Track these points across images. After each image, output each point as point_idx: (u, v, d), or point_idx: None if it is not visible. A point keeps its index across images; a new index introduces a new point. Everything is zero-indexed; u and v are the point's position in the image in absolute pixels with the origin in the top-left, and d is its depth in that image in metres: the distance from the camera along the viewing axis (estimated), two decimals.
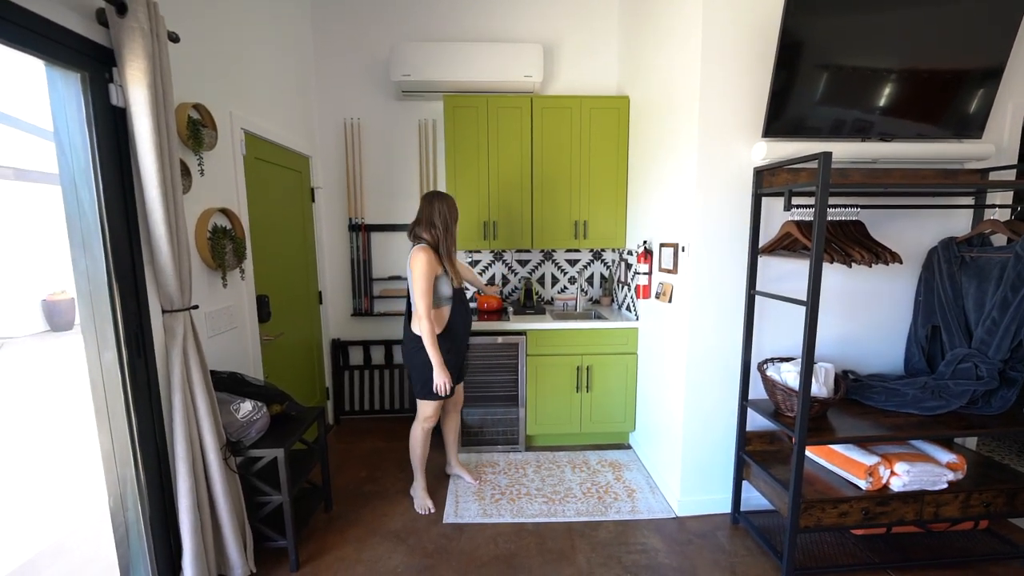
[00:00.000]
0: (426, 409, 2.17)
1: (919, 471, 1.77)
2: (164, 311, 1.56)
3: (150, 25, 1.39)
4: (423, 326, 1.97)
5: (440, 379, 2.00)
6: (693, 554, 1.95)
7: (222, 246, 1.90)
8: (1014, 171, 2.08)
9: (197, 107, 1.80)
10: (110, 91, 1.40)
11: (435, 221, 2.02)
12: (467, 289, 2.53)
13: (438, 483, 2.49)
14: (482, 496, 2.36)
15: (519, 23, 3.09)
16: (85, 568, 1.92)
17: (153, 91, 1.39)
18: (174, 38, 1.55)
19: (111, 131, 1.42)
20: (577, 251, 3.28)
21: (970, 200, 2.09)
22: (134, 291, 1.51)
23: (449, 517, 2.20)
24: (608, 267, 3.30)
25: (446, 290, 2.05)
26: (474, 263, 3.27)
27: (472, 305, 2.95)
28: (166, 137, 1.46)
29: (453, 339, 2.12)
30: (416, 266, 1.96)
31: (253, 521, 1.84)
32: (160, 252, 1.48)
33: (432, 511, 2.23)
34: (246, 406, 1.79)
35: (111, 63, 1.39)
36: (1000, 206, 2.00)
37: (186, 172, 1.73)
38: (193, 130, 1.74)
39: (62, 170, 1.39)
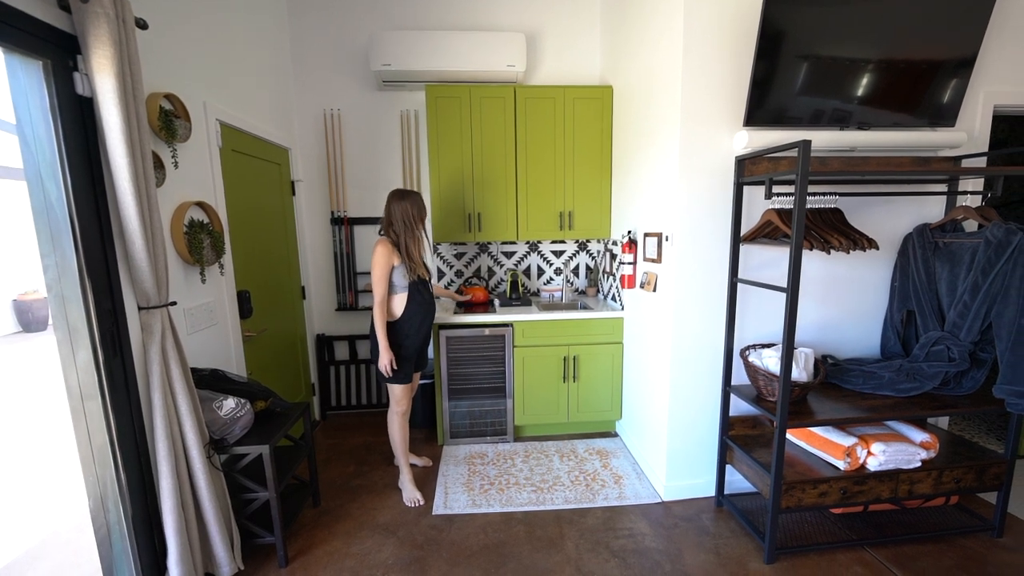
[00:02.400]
0: (395, 392, 2.26)
1: (894, 451, 1.83)
2: (140, 308, 1.52)
3: (115, 10, 1.33)
4: (375, 311, 2.14)
5: (384, 358, 2.13)
6: (679, 537, 2.00)
7: (199, 240, 1.85)
8: (985, 158, 2.14)
9: (169, 97, 1.74)
10: (75, 80, 1.34)
11: (395, 219, 2.16)
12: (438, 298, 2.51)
13: (426, 475, 2.50)
14: (471, 487, 2.37)
15: (501, 12, 3.05)
16: (67, 571, 1.88)
17: (121, 80, 1.34)
18: (142, 24, 1.49)
19: (78, 122, 1.37)
20: (563, 242, 3.28)
21: (943, 187, 2.15)
22: (108, 288, 1.46)
23: (438, 508, 2.21)
24: (593, 258, 3.31)
25: (400, 280, 2.17)
26: (459, 255, 3.25)
27: (459, 297, 2.93)
28: (136, 128, 1.41)
29: (409, 326, 2.21)
30: (373, 257, 2.14)
31: (240, 518, 1.82)
32: (134, 247, 1.44)
33: (421, 503, 2.24)
34: (229, 403, 1.76)
35: (75, 50, 1.34)
36: (972, 192, 2.06)
37: (159, 164, 1.68)
38: (165, 121, 1.69)
39: (27, 164, 1.33)
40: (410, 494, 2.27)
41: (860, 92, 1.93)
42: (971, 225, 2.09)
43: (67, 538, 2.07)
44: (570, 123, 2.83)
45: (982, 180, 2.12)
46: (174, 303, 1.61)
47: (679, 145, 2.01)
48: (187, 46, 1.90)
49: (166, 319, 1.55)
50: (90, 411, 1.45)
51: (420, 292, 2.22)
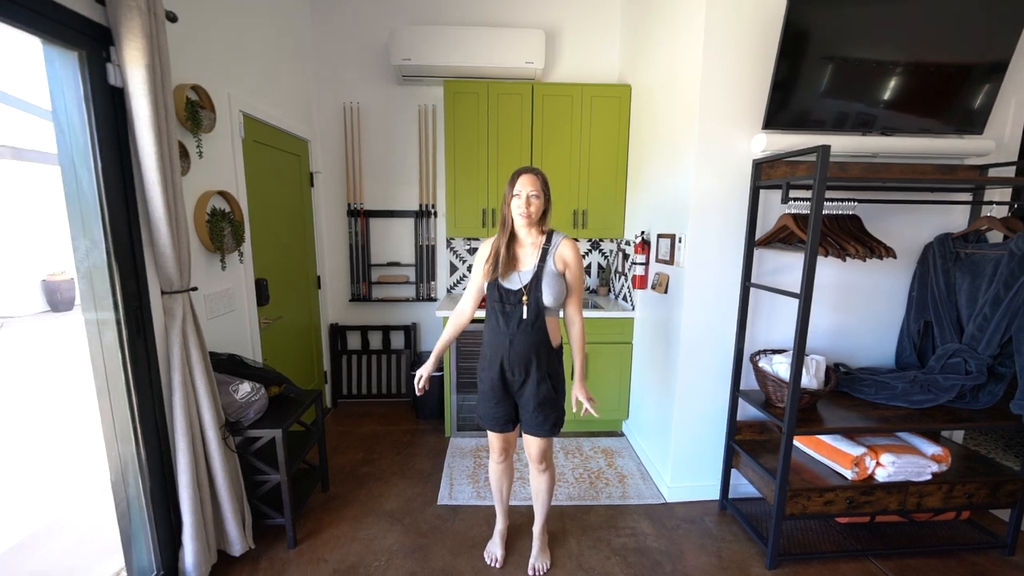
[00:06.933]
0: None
1: (904, 462, 1.81)
2: (163, 292, 1.58)
3: (147, 4, 1.37)
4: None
5: (420, 370, 1.70)
6: (681, 538, 2.00)
7: (221, 229, 1.90)
8: (1014, 168, 2.07)
9: (195, 88, 1.79)
10: (108, 71, 1.39)
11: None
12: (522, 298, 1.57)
13: (434, 463, 2.53)
14: (476, 479, 2.40)
15: (521, 8, 3.05)
16: (87, 542, 1.97)
17: (151, 71, 1.39)
18: (172, 17, 1.53)
19: (109, 111, 1.42)
20: (576, 240, 3.27)
21: (968, 196, 2.09)
22: (133, 272, 1.52)
23: (443, 499, 2.24)
24: (606, 257, 3.31)
25: (488, 289, 1.64)
26: (472, 251, 3.28)
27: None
28: (164, 118, 1.45)
29: (482, 356, 1.70)
30: None
31: (252, 499, 1.88)
32: (159, 234, 1.49)
33: (499, 564, 1.82)
34: (245, 387, 1.82)
35: (108, 42, 1.38)
36: (998, 203, 2.00)
37: (184, 154, 1.73)
38: (191, 111, 1.74)
39: (60, 150, 1.39)
40: (488, 547, 1.89)
41: (886, 96, 1.89)
42: (995, 236, 2.04)
43: (88, 510, 2.16)
44: (587, 121, 2.82)
45: (1009, 190, 2.06)
46: (195, 289, 1.66)
47: (696, 147, 1.99)
48: (213, 39, 1.95)
49: (187, 304, 1.61)
50: (114, 389, 1.51)
51: (496, 312, 1.62)
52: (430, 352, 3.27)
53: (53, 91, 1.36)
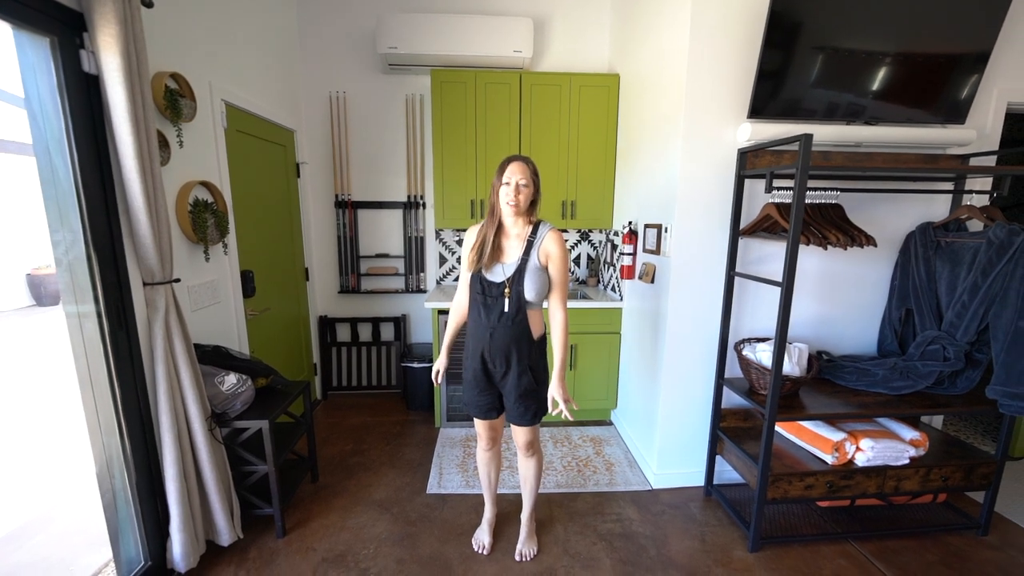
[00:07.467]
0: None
1: (883, 447, 1.85)
2: (145, 284, 1.56)
3: None
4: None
5: (435, 364, 1.81)
6: (665, 523, 2.04)
7: (204, 220, 1.88)
8: (994, 157, 2.10)
9: (175, 76, 1.76)
10: (81, 57, 1.36)
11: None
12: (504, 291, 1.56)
13: (424, 453, 2.55)
14: (465, 468, 2.42)
15: None
16: (75, 534, 1.97)
17: (126, 58, 1.36)
18: (147, 2, 1.50)
19: (84, 99, 1.39)
20: (564, 231, 3.28)
21: (950, 186, 2.12)
22: (113, 263, 1.50)
23: (432, 488, 2.26)
24: (595, 248, 3.32)
25: (471, 280, 1.62)
26: (461, 242, 3.27)
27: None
28: (141, 106, 1.43)
29: (466, 346, 1.70)
30: None
31: (240, 489, 1.88)
32: (139, 224, 1.47)
33: (486, 551, 1.85)
34: (231, 379, 1.82)
35: (81, 28, 1.35)
36: (979, 192, 2.03)
37: (164, 143, 1.70)
38: (170, 100, 1.71)
39: (35, 139, 1.37)
40: (476, 534, 1.92)
41: (874, 86, 1.90)
42: (976, 225, 2.07)
43: (75, 503, 2.16)
44: (575, 111, 2.81)
45: (990, 179, 2.09)
46: (178, 280, 1.65)
47: (683, 136, 1.99)
48: (193, 25, 1.91)
49: (170, 295, 1.60)
50: (96, 381, 1.51)
51: (478, 304, 1.62)
52: (420, 344, 3.31)
53: (25, 78, 1.33)
